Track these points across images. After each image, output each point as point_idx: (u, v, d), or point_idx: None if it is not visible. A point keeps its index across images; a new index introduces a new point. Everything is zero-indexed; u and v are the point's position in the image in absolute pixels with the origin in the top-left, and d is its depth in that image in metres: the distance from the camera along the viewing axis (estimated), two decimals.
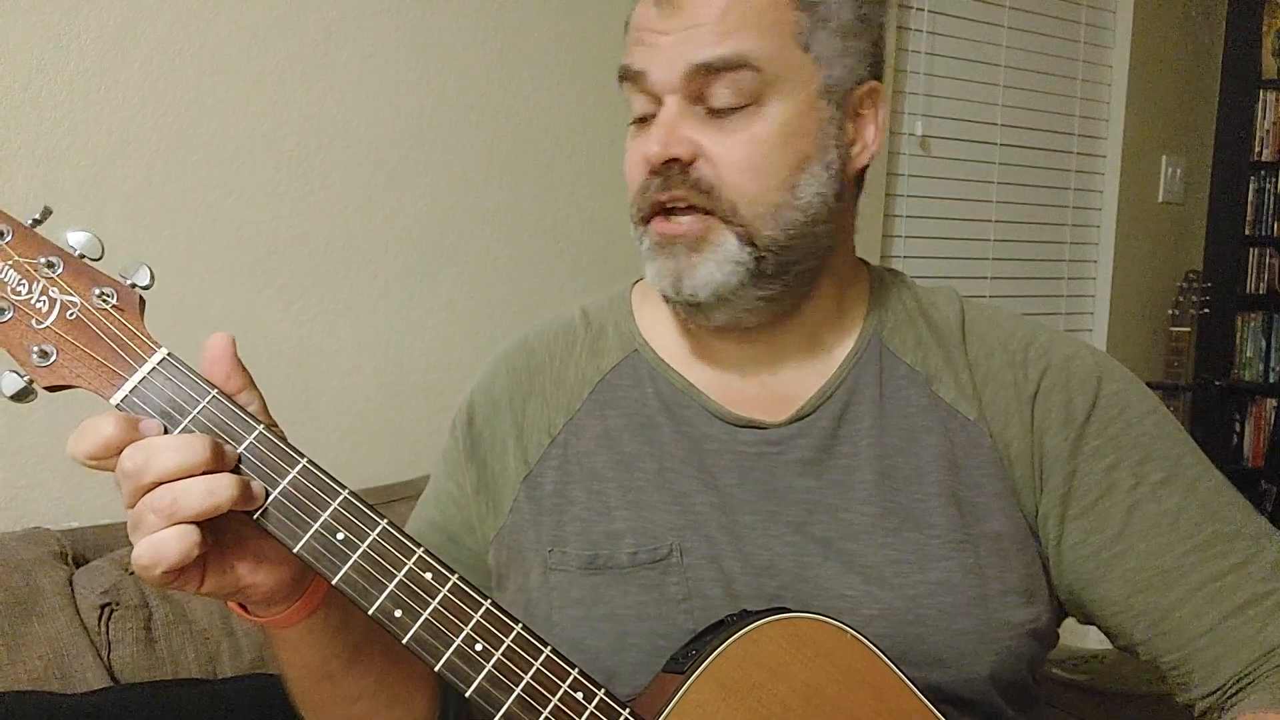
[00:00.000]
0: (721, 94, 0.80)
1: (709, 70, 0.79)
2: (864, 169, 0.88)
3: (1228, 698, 0.80)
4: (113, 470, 0.65)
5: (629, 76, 0.83)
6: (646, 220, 0.84)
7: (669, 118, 0.80)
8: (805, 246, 0.84)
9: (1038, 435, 0.85)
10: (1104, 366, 0.88)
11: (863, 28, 0.84)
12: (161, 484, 0.63)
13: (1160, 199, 3.41)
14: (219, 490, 0.64)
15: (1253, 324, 3.63)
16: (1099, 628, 0.86)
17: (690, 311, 0.85)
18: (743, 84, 0.79)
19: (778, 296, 0.84)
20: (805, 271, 0.85)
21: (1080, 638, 2.30)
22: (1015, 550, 0.83)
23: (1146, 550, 0.81)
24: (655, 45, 0.81)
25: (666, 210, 0.82)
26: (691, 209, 0.81)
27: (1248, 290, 3.59)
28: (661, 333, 0.92)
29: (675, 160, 0.80)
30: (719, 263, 0.81)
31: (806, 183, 0.82)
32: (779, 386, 0.89)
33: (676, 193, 0.81)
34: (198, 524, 0.64)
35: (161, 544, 0.63)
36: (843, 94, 0.84)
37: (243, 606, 0.73)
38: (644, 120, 0.84)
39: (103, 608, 1.38)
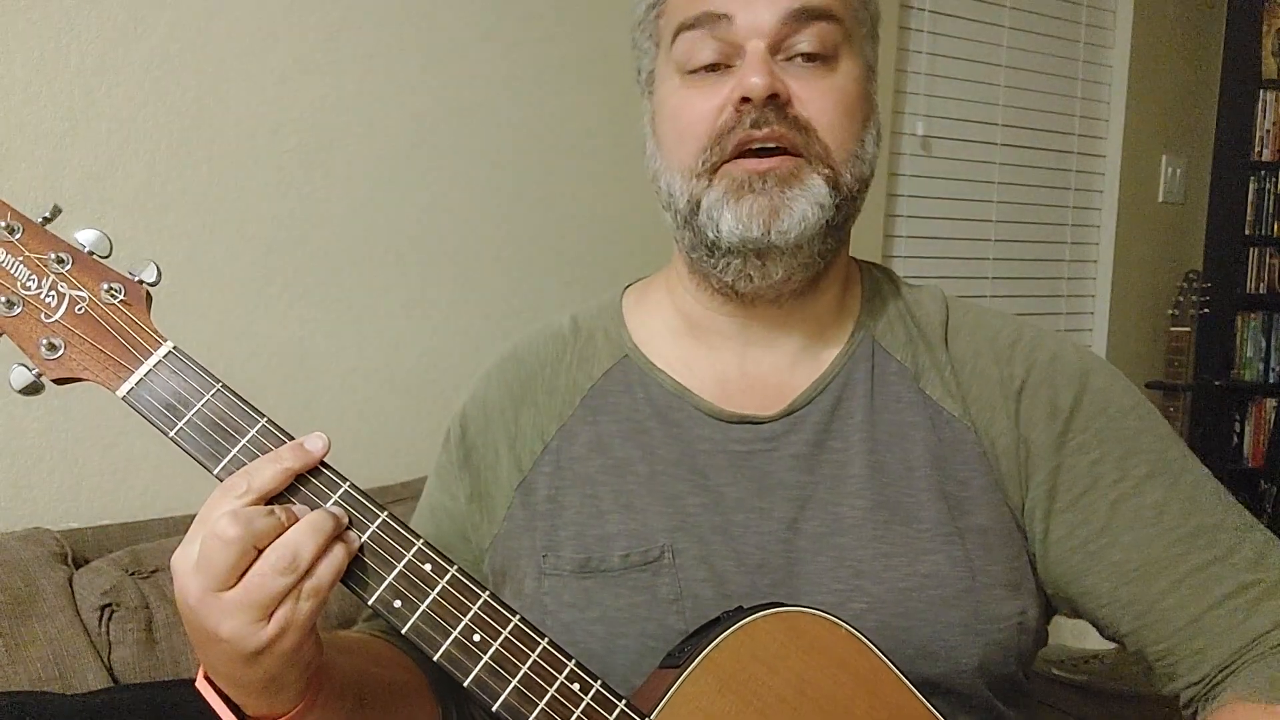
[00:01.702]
0: (809, 42, 0.81)
1: (805, 16, 0.80)
2: None
3: (1212, 686, 0.80)
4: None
5: (703, 22, 0.81)
6: (717, 166, 0.81)
7: (761, 57, 0.79)
8: (857, 205, 0.86)
9: (1023, 430, 0.85)
10: (1088, 363, 0.89)
11: (876, 26, 0.89)
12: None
13: (1160, 199, 3.42)
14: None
15: (1253, 324, 3.63)
16: (1086, 620, 0.86)
17: (752, 265, 0.82)
18: (827, 35, 0.81)
19: (825, 254, 0.85)
20: (844, 236, 0.88)
21: (1080, 638, 2.29)
22: (1000, 544, 0.84)
23: (1131, 543, 0.82)
24: None
25: (751, 152, 0.81)
26: (781, 151, 0.81)
27: (1248, 290, 3.60)
28: (653, 336, 0.93)
29: (775, 96, 0.79)
30: (810, 203, 0.81)
31: (869, 140, 0.86)
32: (771, 379, 0.89)
33: (776, 129, 0.80)
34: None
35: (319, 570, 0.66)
36: (873, 74, 0.88)
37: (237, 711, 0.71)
38: (705, 70, 0.82)
39: (103, 608, 1.38)
